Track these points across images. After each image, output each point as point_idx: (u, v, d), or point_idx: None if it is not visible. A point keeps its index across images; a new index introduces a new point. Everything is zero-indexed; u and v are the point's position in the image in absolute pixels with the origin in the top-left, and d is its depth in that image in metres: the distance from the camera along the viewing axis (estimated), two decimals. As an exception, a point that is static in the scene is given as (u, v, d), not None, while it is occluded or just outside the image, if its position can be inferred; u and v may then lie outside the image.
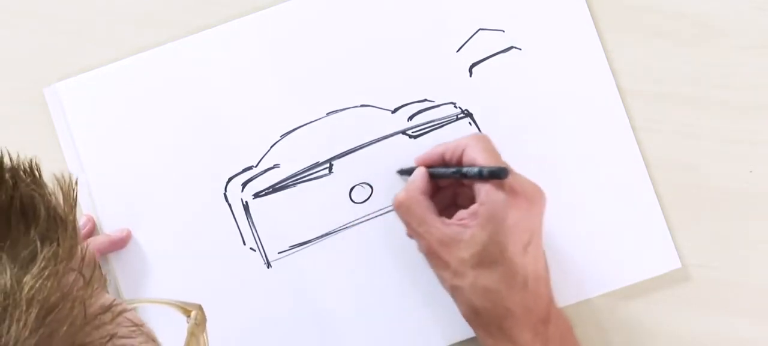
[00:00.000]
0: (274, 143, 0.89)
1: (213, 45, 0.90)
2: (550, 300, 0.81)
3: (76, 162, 0.88)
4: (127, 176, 0.88)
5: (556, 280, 0.86)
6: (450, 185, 0.84)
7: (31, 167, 0.57)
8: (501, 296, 0.78)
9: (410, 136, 0.89)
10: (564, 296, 0.86)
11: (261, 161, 0.89)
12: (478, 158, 0.81)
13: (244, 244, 0.88)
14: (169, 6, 0.91)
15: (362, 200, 0.88)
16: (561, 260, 0.87)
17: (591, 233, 0.87)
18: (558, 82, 0.89)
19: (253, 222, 0.88)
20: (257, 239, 0.88)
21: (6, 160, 0.57)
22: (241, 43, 0.90)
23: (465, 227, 0.79)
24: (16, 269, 0.52)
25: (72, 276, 0.54)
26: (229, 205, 0.88)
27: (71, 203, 0.57)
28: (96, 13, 0.91)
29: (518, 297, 0.78)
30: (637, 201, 0.88)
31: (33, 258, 0.52)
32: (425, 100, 0.89)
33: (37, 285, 0.51)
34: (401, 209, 0.83)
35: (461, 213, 0.81)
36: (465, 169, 0.81)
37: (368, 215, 0.88)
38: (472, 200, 0.81)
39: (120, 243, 0.87)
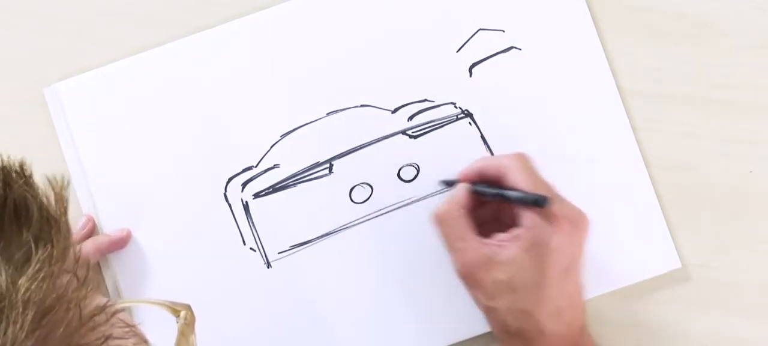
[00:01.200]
0: (274, 143, 0.89)
1: (213, 45, 0.90)
2: (583, 327, 0.80)
3: (76, 162, 0.88)
4: (127, 175, 0.88)
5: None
6: (492, 201, 0.82)
7: (21, 168, 0.57)
8: (536, 320, 0.77)
9: (410, 136, 0.89)
10: (564, 296, 0.86)
11: (261, 161, 0.89)
12: (520, 182, 0.79)
13: (244, 244, 0.88)
14: (169, 6, 0.91)
15: (362, 200, 0.88)
16: (561, 260, 0.87)
17: (591, 233, 0.87)
18: (558, 82, 0.89)
19: (253, 222, 0.88)
20: (257, 239, 0.88)
21: None
22: (241, 43, 0.90)
23: (503, 249, 0.78)
24: (10, 271, 0.52)
25: (66, 278, 0.53)
26: (229, 205, 0.88)
27: (63, 203, 0.57)
28: (96, 13, 0.91)
29: (553, 322, 0.77)
30: (637, 201, 0.88)
31: (27, 260, 0.52)
32: (425, 100, 0.89)
33: (33, 287, 0.51)
34: (441, 223, 0.81)
35: (501, 236, 0.79)
36: (508, 193, 0.79)
37: (368, 215, 0.88)
38: (513, 218, 0.79)
39: (120, 243, 0.87)
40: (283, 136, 0.89)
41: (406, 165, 0.88)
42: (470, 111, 0.89)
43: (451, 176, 0.85)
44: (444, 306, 0.85)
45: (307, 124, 0.89)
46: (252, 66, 0.90)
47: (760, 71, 0.90)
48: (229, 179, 0.88)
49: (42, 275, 0.52)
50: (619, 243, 0.87)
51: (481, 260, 0.78)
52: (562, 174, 0.88)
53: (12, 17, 0.92)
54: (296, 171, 0.88)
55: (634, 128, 0.89)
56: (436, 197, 0.88)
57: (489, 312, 0.80)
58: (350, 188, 0.88)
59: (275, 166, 0.89)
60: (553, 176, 0.87)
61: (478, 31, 0.90)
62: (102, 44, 0.90)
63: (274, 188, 0.88)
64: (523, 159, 0.81)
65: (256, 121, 0.89)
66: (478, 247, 0.79)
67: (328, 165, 0.88)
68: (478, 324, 0.85)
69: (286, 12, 0.90)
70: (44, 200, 0.56)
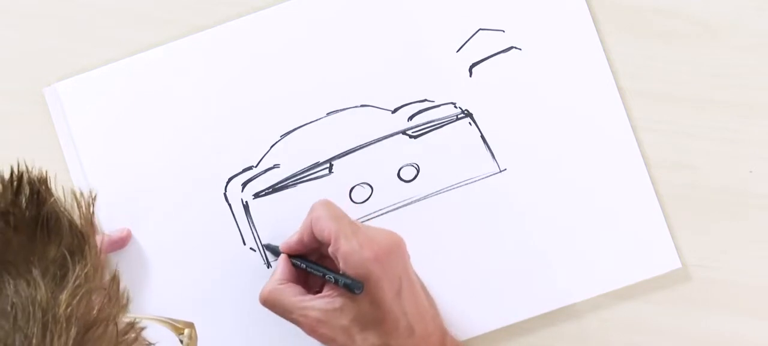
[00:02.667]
0: (274, 143, 0.89)
1: (213, 45, 0.90)
2: (443, 332, 0.81)
3: (76, 162, 0.88)
4: (127, 175, 0.88)
5: (556, 280, 0.86)
6: (316, 258, 0.83)
7: (47, 180, 0.57)
8: None
9: (410, 136, 0.89)
10: (564, 295, 0.86)
11: (261, 161, 0.89)
12: (324, 228, 0.80)
13: (244, 244, 0.88)
14: (169, 6, 0.91)
15: (362, 200, 0.88)
16: (561, 260, 0.87)
17: (591, 233, 0.87)
18: (558, 82, 0.89)
19: (253, 222, 0.88)
20: (257, 239, 0.88)
21: (15, 172, 0.57)
22: (241, 43, 0.90)
23: (334, 298, 0.79)
24: (51, 284, 0.52)
25: (102, 294, 0.54)
26: (229, 205, 0.88)
27: (90, 219, 0.57)
28: (96, 13, 0.91)
29: (409, 343, 0.78)
30: (637, 201, 0.88)
31: (64, 275, 0.52)
32: (425, 100, 0.89)
33: (74, 303, 0.51)
34: (267, 304, 0.82)
35: (331, 286, 0.80)
36: (325, 274, 0.80)
37: (368, 215, 0.88)
38: (336, 267, 0.80)
39: (120, 243, 0.87)
40: (283, 136, 0.89)
41: (406, 165, 0.88)
42: (470, 111, 0.89)
43: (274, 243, 0.86)
44: (443, 306, 0.85)
45: (307, 124, 0.89)
46: (252, 66, 0.90)
47: (760, 71, 0.90)
48: (229, 179, 0.88)
49: (81, 292, 0.52)
50: (619, 243, 0.87)
51: (322, 316, 0.79)
52: (562, 174, 0.88)
53: (12, 17, 0.92)
54: (296, 171, 0.88)
55: (634, 128, 0.89)
56: (436, 197, 0.88)
57: None
58: (350, 188, 0.88)
59: (275, 166, 0.89)
60: (553, 176, 0.87)
61: (478, 31, 0.90)
62: (102, 44, 0.90)
63: (274, 188, 0.88)
64: (325, 206, 0.82)
65: (256, 121, 0.89)
66: (313, 305, 0.80)
67: (328, 165, 0.88)
68: (477, 324, 0.85)
69: (286, 12, 0.90)
70: (73, 214, 0.56)
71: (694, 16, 0.90)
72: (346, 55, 0.90)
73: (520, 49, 0.90)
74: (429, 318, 0.80)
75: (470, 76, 0.90)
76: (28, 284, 0.52)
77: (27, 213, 0.55)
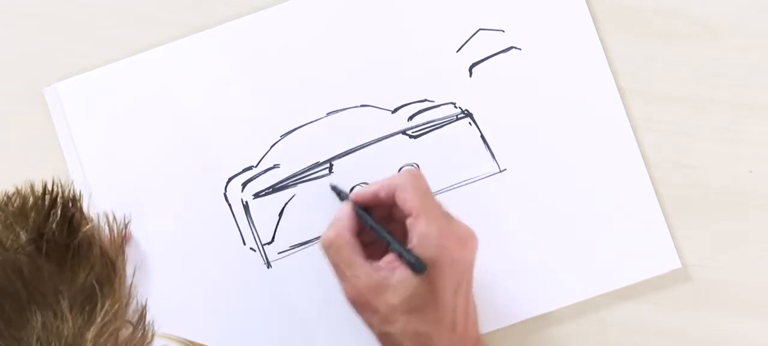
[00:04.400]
0: (274, 143, 0.89)
1: (213, 45, 0.90)
2: (477, 339, 0.80)
3: (76, 162, 0.88)
4: (127, 175, 0.88)
5: (556, 280, 0.86)
6: (381, 216, 0.81)
7: (80, 202, 0.56)
8: (431, 339, 0.77)
9: (410, 136, 0.89)
10: (564, 296, 0.86)
11: (261, 161, 0.89)
12: (407, 200, 0.78)
13: (244, 244, 0.88)
14: (169, 6, 0.91)
15: (362, 200, 0.88)
16: (561, 260, 0.87)
17: (591, 232, 0.87)
18: (558, 82, 0.89)
19: (253, 222, 0.88)
20: (257, 239, 0.88)
21: (48, 191, 0.55)
22: (242, 42, 0.90)
23: (394, 271, 0.77)
24: (79, 322, 0.50)
25: (129, 330, 0.53)
26: (229, 205, 0.88)
27: (121, 246, 0.55)
28: (96, 13, 0.91)
29: (447, 339, 0.77)
30: (637, 201, 0.88)
31: (93, 308, 0.51)
32: (425, 100, 0.89)
33: (101, 342, 0.50)
34: (330, 249, 0.79)
35: (390, 257, 0.78)
36: (391, 241, 0.78)
37: (368, 215, 0.88)
38: (403, 236, 0.78)
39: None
40: (283, 136, 0.89)
41: (406, 165, 0.88)
42: (470, 111, 0.89)
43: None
44: (444, 306, 0.85)
45: (307, 124, 0.89)
46: (252, 66, 0.90)
47: (760, 71, 0.90)
48: (229, 179, 0.88)
49: (109, 329, 0.51)
50: (619, 243, 0.87)
51: (372, 285, 0.77)
52: (562, 174, 0.88)
53: (12, 17, 0.92)
54: (296, 171, 0.88)
55: (634, 128, 0.89)
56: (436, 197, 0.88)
57: (383, 337, 0.79)
58: (350, 188, 0.88)
59: (275, 166, 0.89)
60: (553, 176, 0.87)
61: (478, 31, 0.90)
62: (102, 44, 0.90)
63: (274, 188, 0.88)
64: (416, 177, 0.80)
65: (256, 121, 0.89)
66: (368, 272, 0.77)
67: (328, 165, 0.88)
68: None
69: (286, 12, 0.90)
70: (103, 239, 0.55)
71: (694, 16, 0.90)
72: (346, 55, 0.90)
73: (520, 49, 0.90)
74: (471, 321, 0.79)
75: (470, 76, 0.90)
76: (56, 316, 0.50)
77: (59, 239, 0.53)
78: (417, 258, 0.76)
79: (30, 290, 0.52)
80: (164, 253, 0.87)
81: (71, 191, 0.56)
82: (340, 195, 0.85)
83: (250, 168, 0.89)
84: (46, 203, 0.55)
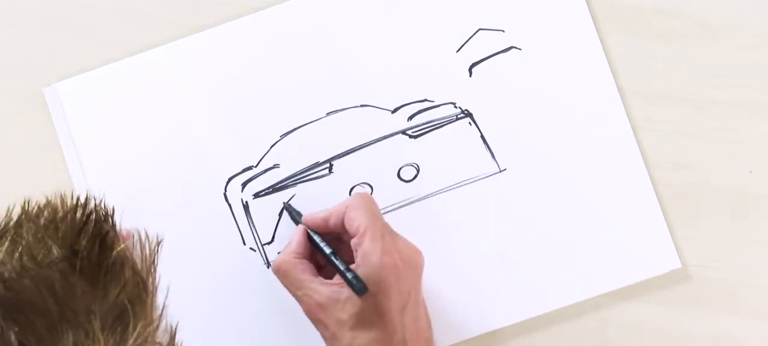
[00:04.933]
0: (274, 143, 0.89)
1: (213, 45, 0.90)
2: None
3: (76, 162, 0.88)
4: (127, 175, 0.88)
5: (556, 280, 0.86)
6: (332, 239, 0.83)
7: (112, 218, 0.54)
8: None
9: (410, 136, 0.89)
10: (563, 296, 0.86)
11: (261, 161, 0.89)
12: (355, 219, 0.79)
13: (244, 244, 0.88)
14: (169, 6, 0.91)
15: (362, 200, 0.88)
16: (561, 260, 0.87)
17: (591, 233, 0.87)
18: (558, 82, 0.89)
19: (253, 222, 0.88)
20: (257, 239, 0.88)
21: (81, 205, 0.54)
22: (241, 43, 0.90)
23: (343, 287, 0.78)
24: (110, 340, 0.50)
25: None
26: (229, 205, 0.88)
27: (152, 264, 0.55)
28: (96, 13, 0.91)
29: None
30: (637, 201, 0.88)
31: (124, 329, 0.50)
32: (425, 100, 0.89)
33: None
34: (278, 273, 0.81)
35: (339, 276, 0.80)
36: (335, 262, 0.80)
37: (368, 215, 0.88)
38: (352, 257, 0.80)
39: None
40: (283, 136, 0.89)
41: (406, 165, 0.88)
42: (470, 111, 0.89)
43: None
44: (443, 307, 0.85)
45: (307, 124, 0.89)
46: (252, 66, 0.90)
47: (760, 71, 0.90)
48: (229, 179, 0.88)
49: None
50: (619, 243, 0.87)
51: (321, 302, 0.79)
52: (562, 174, 0.88)
53: (12, 17, 0.92)
54: (296, 171, 0.88)
55: (634, 128, 0.89)
56: (436, 197, 0.88)
57: None
58: (350, 188, 0.88)
59: (275, 166, 0.89)
60: (552, 176, 0.87)
61: (478, 31, 0.90)
62: (102, 44, 0.90)
63: (274, 188, 0.88)
64: (364, 199, 0.81)
65: (256, 121, 0.89)
66: (318, 288, 0.79)
67: (328, 165, 0.88)
68: (478, 324, 0.85)
69: (286, 12, 0.90)
70: (135, 258, 0.54)
71: (694, 16, 0.90)
72: (346, 55, 0.90)
73: (520, 49, 0.90)
74: (423, 338, 0.80)
75: (470, 76, 0.90)
76: (87, 335, 0.50)
77: (91, 256, 0.52)
78: (357, 278, 0.78)
79: (61, 307, 0.51)
80: (164, 253, 0.87)
81: (104, 207, 0.55)
82: (293, 216, 0.86)
83: (250, 168, 0.89)
84: (78, 217, 0.54)
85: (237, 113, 0.89)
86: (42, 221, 0.55)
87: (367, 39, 0.90)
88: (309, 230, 0.83)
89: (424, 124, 0.89)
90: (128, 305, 0.51)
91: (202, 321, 0.86)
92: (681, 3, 0.90)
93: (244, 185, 0.88)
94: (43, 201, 0.56)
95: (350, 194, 0.88)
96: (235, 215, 0.88)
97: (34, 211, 0.55)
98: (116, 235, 0.54)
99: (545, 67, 0.89)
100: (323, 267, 0.82)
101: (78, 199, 0.54)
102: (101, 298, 0.51)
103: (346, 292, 0.78)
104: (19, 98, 0.90)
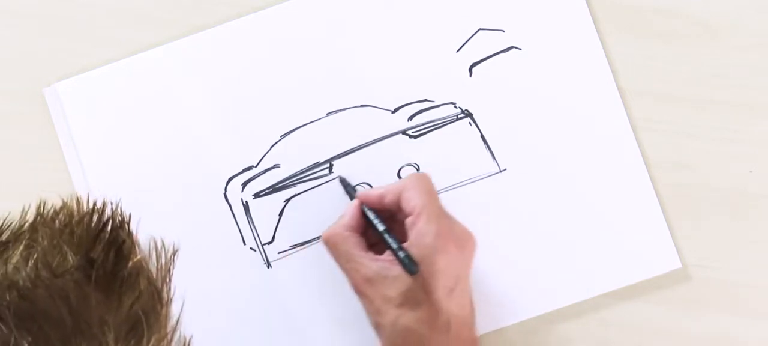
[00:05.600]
0: (274, 143, 0.89)
1: (213, 45, 0.90)
2: (473, 342, 0.81)
3: (76, 162, 0.88)
4: (127, 175, 0.88)
5: (556, 280, 0.86)
6: (385, 217, 0.82)
7: (128, 223, 0.53)
8: (422, 338, 0.77)
9: (410, 136, 0.89)
10: (563, 296, 0.86)
11: (261, 161, 0.89)
12: (411, 199, 0.79)
13: (244, 244, 0.88)
14: (169, 6, 0.91)
15: (362, 200, 0.88)
16: (561, 260, 0.87)
17: (591, 233, 0.87)
18: (558, 82, 0.89)
19: (253, 222, 0.88)
20: (257, 239, 0.88)
21: (97, 211, 0.53)
22: (241, 43, 0.90)
23: (393, 264, 0.78)
24: None
25: None
26: (229, 205, 0.88)
27: (167, 274, 0.53)
28: (96, 13, 0.91)
29: (439, 340, 0.78)
30: (637, 201, 0.88)
31: (139, 340, 0.49)
32: (425, 100, 0.89)
33: None
34: (328, 244, 0.82)
35: (389, 252, 0.80)
36: (388, 239, 0.79)
37: (368, 215, 0.88)
38: (403, 236, 0.80)
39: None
40: (283, 136, 0.89)
41: (406, 165, 0.88)
42: (470, 111, 0.89)
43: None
44: (444, 306, 0.85)
45: (307, 124, 0.89)
46: (252, 66, 0.90)
47: (760, 71, 0.90)
48: (229, 179, 0.88)
49: None
50: (619, 243, 0.87)
51: (369, 276, 0.79)
52: (563, 174, 0.88)
53: (12, 17, 0.92)
54: (296, 171, 0.88)
55: (634, 128, 0.89)
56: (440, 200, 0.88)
57: (378, 328, 0.80)
58: (354, 185, 0.88)
59: (275, 166, 0.89)
60: (552, 176, 0.87)
61: (478, 31, 0.90)
62: (102, 44, 0.90)
63: (274, 188, 0.88)
64: (421, 179, 0.81)
65: (256, 121, 0.89)
66: (367, 263, 0.79)
67: (328, 165, 0.88)
68: (478, 324, 0.85)
69: (286, 12, 0.90)
70: (150, 268, 0.52)
71: (694, 16, 0.90)
72: (346, 55, 0.90)
73: (520, 49, 0.90)
74: (467, 326, 0.80)
75: (470, 76, 0.90)
76: None
77: (107, 265, 0.51)
78: (409, 257, 0.77)
79: (75, 318, 0.50)
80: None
81: (120, 213, 0.54)
82: (347, 190, 0.86)
83: (250, 168, 0.89)
84: (94, 222, 0.53)
85: (237, 113, 0.89)
86: (57, 224, 0.54)
87: (367, 39, 0.90)
88: (364, 206, 0.82)
89: (424, 124, 0.89)
90: (142, 317, 0.51)
91: (201, 321, 0.86)
92: (681, 3, 0.90)
93: (244, 185, 0.88)
94: (58, 203, 0.55)
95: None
96: (235, 215, 0.88)
97: (50, 214, 0.54)
98: (133, 244, 0.53)
99: (545, 67, 0.89)
100: (374, 244, 0.81)
101: (95, 204, 0.53)
102: (115, 309, 0.51)
103: (396, 270, 0.78)
104: (19, 98, 0.90)
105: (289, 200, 0.88)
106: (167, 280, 0.54)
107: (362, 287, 0.79)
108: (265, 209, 0.88)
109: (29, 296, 0.50)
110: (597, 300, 0.87)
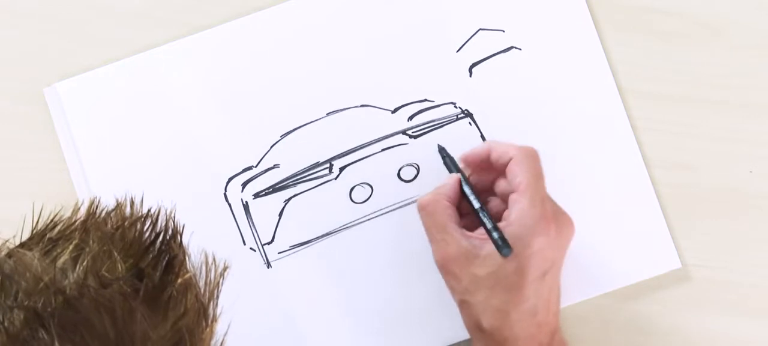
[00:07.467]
0: (274, 143, 0.89)
1: (213, 45, 0.90)
2: (556, 329, 0.80)
3: (76, 162, 0.88)
4: (127, 175, 0.88)
5: (556, 280, 0.87)
6: (482, 190, 0.82)
7: (180, 234, 0.51)
8: (509, 319, 0.77)
9: (410, 136, 0.89)
10: (564, 295, 0.86)
11: (261, 161, 0.89)
12: (519, 174, 0.78)
13: (244, 244, 0.88)
14: (168, 6, 0.91)
15: (362, 200, 0.88)
16: (561, 260, 0.87)
17: (591, 233, 0.87)
18: (558, 82, 0.89)
19: (253, 222, 0.88)
20: (257, 239, 0.88)
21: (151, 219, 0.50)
22: (241, 43, 0.90)
23: (485, 243, 0.77)
24: None
25: None
26: (229, 205, 0.88)
27: (215, 292, 0.51)
28: (96, 13, 0.91)
29: (526, 322, 0.77)
30: (637, 201, 0.88)
31: None
32: (425, 100, 0.89)
33: None
34: (424, 212, 0.80)
35: (483, 229, 0.79)
36: (484, 220, 0.78)
37: (368, 215, 0.88)
38: (498, 215, 0.79)
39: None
40: (283, 136, 0.89)
41: (406, 165, 0.88)
42: (470, 111, 0.89)
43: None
44: (444, 306, 0.85)
45: (307, 124, 0.89)
46: (252, 66, 0.90)
47: (760, 71, 0.90)
48: (229, 179, 0.88)
49: None
50: (619, 243, 0.87)
51: (461, 253, 0.78)
52: (562, 174, 0.88)
53: (12, 17, 0.92)
54: (296, 171, 0.88)
55: (634, 128, 0.89)
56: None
57: (463, 306, 0.79)
58: (350, 188, 0.88)
59: (275, 166, 0.89)
60: (552, 176, 0.87)
61: (478, 31, 0.90)
62: (102, 44, 0.90)
63: (274, 188, 0.88)
64: (532, 157, 0.80)
65: (256, 121, 0.89)
66: (459, 239, 0.78)
67: (328, 165, 0.88)
68: (478, 324, 0.85)
69: (286, 12, 0.90)
70: (199, 285, 0.50)
71: (694, 16, 0.90)
72: (346, 55, 0.90)
73: (520, 49, 0.90)
74: (552, 310, 0.79)
75: (470, 76, 0.90)
76: None
77: (155, 278, 0.49)
78: (504, 239, 0.76)
79: (119, 331, 0.48)
80: (164, 253, 0.87)
81: (174, 223, 0.52)
82: (446, 162, 0.85)
83: (250, 168, 0.89)
84: (147, 230, 0.50)
85: (237, 113, 0.89)
86: (109, 226, 0.51)
87: (367, 39, 0.90)
88: (462, 181, 0.81)
89: (424, 124, 0.89)
90: (186, 335, 0.49)
91: (202, 321, 0.86)
92: (681, 3, 0.90)
93: (244, 185, 0.88)
94: (111, 203, 0.53)
95: (350, 195, 0.88)
96: (235, 215, 0.88)
97: (103, 217, 0.52)
98: (185, 258, 0.51)
99: (545, 67, 0.89)
100: (464, 215, 0.80)
101: (149, 210, 0.51)
102: (159, 324, 0.49)
103: (487, 249, 0.77)
104: (19, 98, 0.90)
105: (289, 200, 0.88)
106: (215, 297, 0.52)
107: (449, 263, 0.78)
108: (265, 209, 0.88)
109: (75, 305, 0.48)
110: (597, 300, 0.87)
